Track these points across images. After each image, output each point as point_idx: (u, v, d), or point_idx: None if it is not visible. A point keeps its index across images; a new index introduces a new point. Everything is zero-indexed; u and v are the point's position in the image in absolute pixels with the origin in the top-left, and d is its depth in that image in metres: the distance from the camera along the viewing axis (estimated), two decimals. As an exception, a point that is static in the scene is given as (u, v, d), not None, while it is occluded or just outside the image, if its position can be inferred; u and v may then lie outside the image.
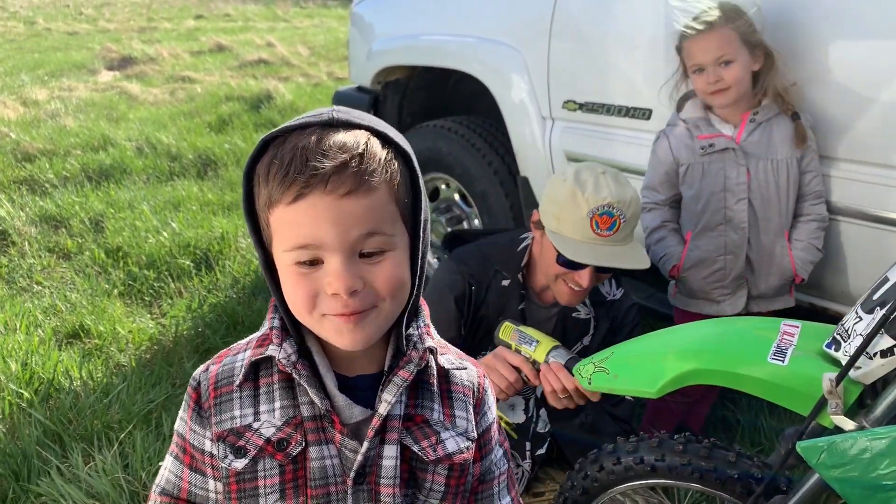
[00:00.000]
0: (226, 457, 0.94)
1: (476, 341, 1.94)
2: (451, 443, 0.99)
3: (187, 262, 3.77)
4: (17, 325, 3.11)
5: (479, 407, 1.06)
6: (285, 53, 12.17)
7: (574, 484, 1.60)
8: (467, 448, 1.01)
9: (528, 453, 1.93)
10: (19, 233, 4.19)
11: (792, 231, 2.14)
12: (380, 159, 0.86)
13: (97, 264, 3.83)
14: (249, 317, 3.19)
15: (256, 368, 0.96)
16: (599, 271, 1.78)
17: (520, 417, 1.92)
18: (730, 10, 1.99)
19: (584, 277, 1.76)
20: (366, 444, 0.93)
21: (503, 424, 1.66)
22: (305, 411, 0.94)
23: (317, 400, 0.92)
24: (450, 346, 1.09)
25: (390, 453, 0.94)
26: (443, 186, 3.41)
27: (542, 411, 1.92)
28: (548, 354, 1.64)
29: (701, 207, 2.11)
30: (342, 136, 0.85)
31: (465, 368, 1.06)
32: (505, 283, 1.91)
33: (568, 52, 2.66)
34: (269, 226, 0.88)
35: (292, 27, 18.96)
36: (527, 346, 1.68)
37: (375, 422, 0.93)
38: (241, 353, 0.98)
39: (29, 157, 5.78)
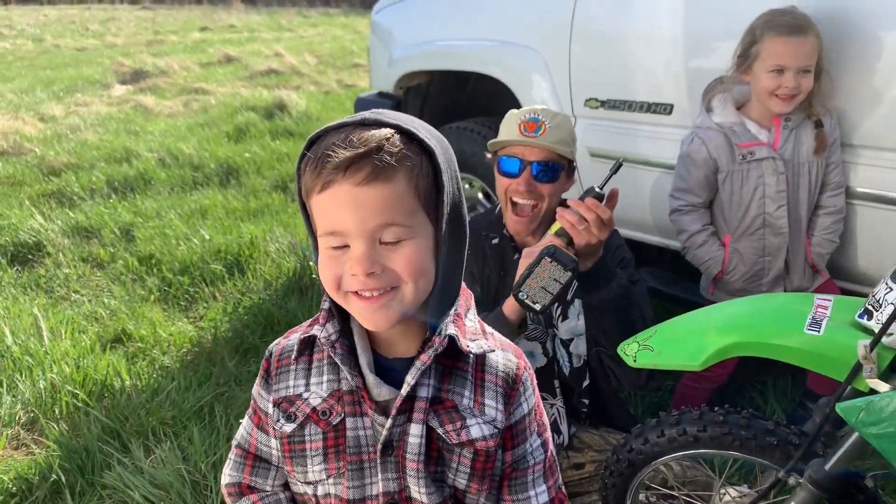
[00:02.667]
0: (278, 420, 1.08)
1: (489, 301, 2.05)
2: (476, 429, 1.05)
3: (219, 268, 3.88)
4: (63, 332, 3.23)
5: (514, 398, 1.09)
6: (294, 63, 12.32)
7: (619, 457, 1.70)
8: (492, 436, 1.06)
9: (557, 391, 2.02)
10: (53, 244, 4.31)
11: (809, 223, 2.23)
12: (397, 152, 0.93)
13: (131, 272, 3.94)
14: (285, 316, 3.29)
15: (312, 344, 1.09)
16: (536, 178, 1.91)
17: (541, 361, 2.00)
18: (813, 22, 2.00)
19: (521, 183, 1.91)
20: (390, 421, 1.02)
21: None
22: (345, 386, 1.06)
23: (348, 377, 1.03)
24: (496, 334, 1.16)
25: (416, 431, 1.03)
26: (466, 186, 3.51)
27: (572, 346, 1.98)
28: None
29: (741, 213, 2.20)
30: (367, 132, 0.93)
31: (502, 351, 1.11)
32: (495, 241, 2.05)
33: (589, 51, 2.76)
34: (311, 213, 1.00)
35: (298, 36, 19.15)
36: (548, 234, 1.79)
37: (398, 401, 1.02)
38: (299, 331, 1.12)
39: (55, 171, 5.92)
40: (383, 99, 3.88)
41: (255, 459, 1.17)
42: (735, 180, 2.18)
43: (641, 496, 1.80)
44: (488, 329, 1.14)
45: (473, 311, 1.12)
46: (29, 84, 11.20)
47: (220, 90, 9.95)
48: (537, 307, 1.67)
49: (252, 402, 1.15)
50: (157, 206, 4.94)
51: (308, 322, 1.11)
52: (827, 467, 1.41)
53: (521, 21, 3.03)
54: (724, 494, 1.71)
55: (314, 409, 1.06)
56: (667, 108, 2.58)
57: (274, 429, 1.09)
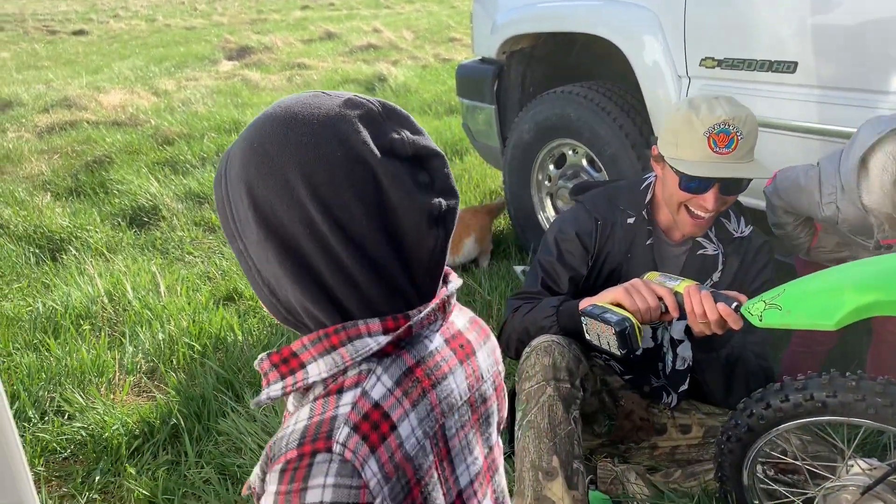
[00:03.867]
0: None
1: (601, 279, 1.97)
2: (255, 470, 0.87)
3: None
4: (178, 289, 3.38)
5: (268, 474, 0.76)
6: (392, 38, 12.40)
7: (738, 423, 1.63)
8: (253, 488, 0.87)
9: (661, 373, 1.98)
10: (168, 208, 4.52)
11: None
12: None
13: (241, 236, 4.08)
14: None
15: None
16: (723, 192, 1.77)
17: (647, 343, 1.96)
18: None
19: (708, 200, 1.76)
20: None
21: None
22: None
23: None
24: (347, 398, 0.76)
25: None
26: (570, 152, 3.44)
27: (680, 349, 1.94)
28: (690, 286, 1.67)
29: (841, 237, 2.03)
30: None
31: (308, 422, 0.74)
32: (630, 220, 1.94)
33: (705, 7, 2.63)
34: None
35: (395, 13, 19.26)
36: (672, 283, 1.69)
37: None
38: None
39: (168, 140, 6.20)
40: (485, 65, 3.85)
41: None
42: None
43: (759, 469, 1.73)
44: (347, 392, 0.76)
45: (356, 348, 0.76)
46: (143, 61, 11.76)
47: (321, 65, 10.15)
48: (585, 337, 1.69)
49: None
50: (263, 175, 5.09)
51: None
52: (975, 438, 1.31)
53: (633, -21, 2.93)
54: (852, 466, 1.61)
55: None
56: (790, 67, 2.44)
57: None
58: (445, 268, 0.86)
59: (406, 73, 8.89)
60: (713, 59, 2.65)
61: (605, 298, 1.70)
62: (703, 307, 1.57)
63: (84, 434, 2.34)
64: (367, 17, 17.52)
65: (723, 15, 2.59)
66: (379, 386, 0.76)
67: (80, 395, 2.53)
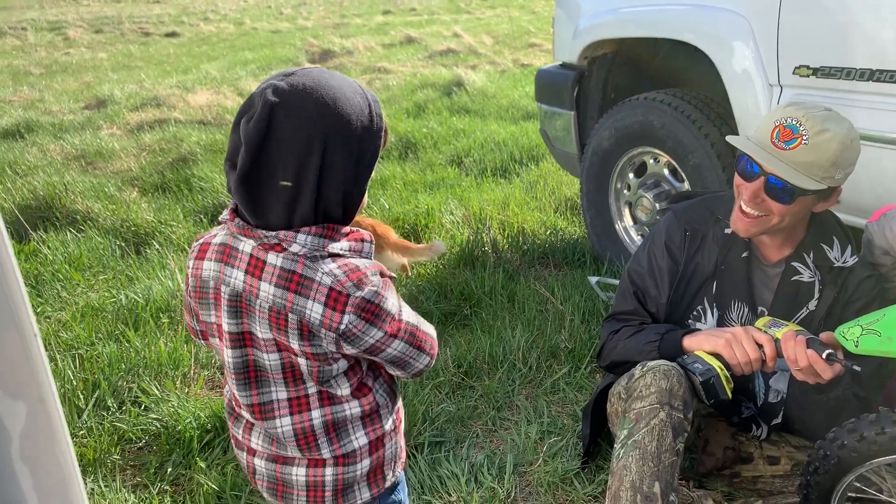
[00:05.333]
0: None
1: (691, 291, 1.89)
2: None
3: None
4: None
5: None
6: (471, 43, 12.43)
7: (827, 453, 1.53)
8: None
9: (754, 399, 1.89)
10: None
11: None
12: None
13: (316, 236, 4.13)
14: (458, 286, 3.31)
15: None
16: (767, 191, 1.65)
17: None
18: None
19: (747, 190, 1.67)
20: None
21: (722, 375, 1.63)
22: None
23: None
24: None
25: None
26: (650, 161, 3.34)
27: (773, 381, 1.85)
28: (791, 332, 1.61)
29: None
30: None
31: None
32: (728, 230, 1.84)
33: (801, 14, 2.51)
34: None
35: (475, 18, 19.31)
36: (775, 329, 1.64)
37: None
38: None
39: (250, 140, 6.34)
40: (566, 70, 3.78)
41: None
42: None
43: None
44: (214, 230, 1.29)
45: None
46: (230, 62, 12.12)
47: (401, 69, 10.24)
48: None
49: None
50: (340, 176, 5.15)
51: None
52: None
53: (725, -17, 2.82)
54: (955, 508, 1.49)
55: None
56: (893, 76, 2.30)
57: None
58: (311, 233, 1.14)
59: (484, 78, 8.87)
60: (808, 67, 2.52)
61: (705, 345, 1.67)
62: (796, 354, 1.52)
63: (158, 425, 2.40)
64: (447, 22, 17.62)
65: (820, 20, 2.46)
66: (216, 238, 1.23)
67: (157, 387, 2.59)
